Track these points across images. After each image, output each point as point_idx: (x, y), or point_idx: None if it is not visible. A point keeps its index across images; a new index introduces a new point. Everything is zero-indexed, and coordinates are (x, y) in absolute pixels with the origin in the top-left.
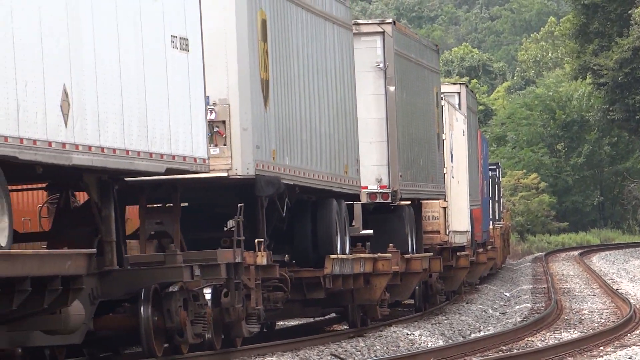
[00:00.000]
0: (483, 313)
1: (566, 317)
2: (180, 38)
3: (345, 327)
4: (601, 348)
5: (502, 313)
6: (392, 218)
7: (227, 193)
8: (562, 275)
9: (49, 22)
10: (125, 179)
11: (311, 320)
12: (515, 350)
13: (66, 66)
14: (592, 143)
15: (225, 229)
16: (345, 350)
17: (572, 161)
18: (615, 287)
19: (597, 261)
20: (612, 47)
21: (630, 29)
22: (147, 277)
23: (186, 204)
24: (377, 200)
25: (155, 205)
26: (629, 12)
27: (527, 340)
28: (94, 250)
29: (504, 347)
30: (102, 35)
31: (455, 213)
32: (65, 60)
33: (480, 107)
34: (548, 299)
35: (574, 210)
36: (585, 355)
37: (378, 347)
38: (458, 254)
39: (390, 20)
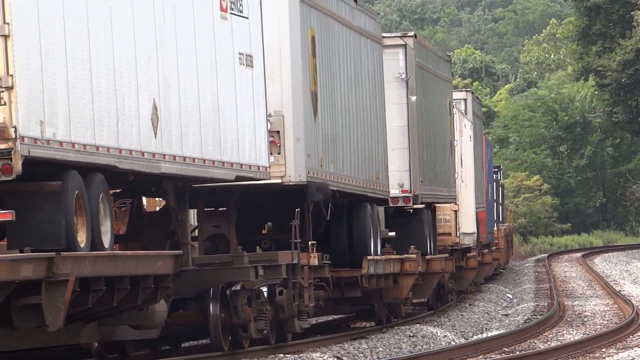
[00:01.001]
0: (486, 314)
1: (569, 319)
2: (245, 55)
3: (368, 324)
4: (603, 350)
5: (505, 314)
6: (413, 221)
7: (268, 198)
8: (565, 276)
9: (142, 44)
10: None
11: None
12: (517, 352)
13: (155, 82)
14: (595, 145)
15: (263, 231)
16: (348, 352)
17: (575, 163)
18: (617, 288)
19: (600, 263)
20: (615, 48)
21: (632, 30)
22: (217, 276)
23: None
24: (399, 204)
25: (212, 209)
26: (632, 13)
27: (530, 342)
28: (180, 252)
29: (506, 349)
30: (184, 54)
31: (464, 215)
32: (155, 77)
33: (483, 109)
34: (551, 300)
35: (577, 211)
36: (587, 357)
37: (380, 349)
38: (467, 255)
39: (412, 34)
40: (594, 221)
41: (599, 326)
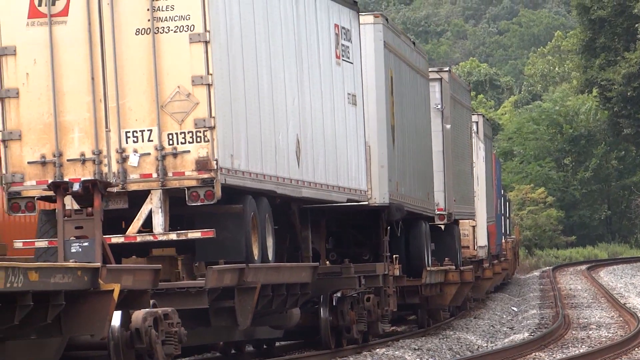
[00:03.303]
0: (491, 327)
1: (574, 332)
2: (351, 95)
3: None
4: None
5: (510, 327)
6: (446, 235)
7: (346, 216)
8: (570, 289)
9: (290, 88)
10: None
11: None
12: None
13: (297, 120)
14: (600, 157)
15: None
16: None
17: (580, 175)
18: (622, 301)
19: (605, 275)
20: (619, 61)
21: (637, 43)
22: (330, 284)
23: None
24: (436, 222)
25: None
26: (636, 26)
27: (535, 355)
28: (317, 264)
29: None
30: (314, 95)
31: (479, 229)
32: (297, 116)
33: (482, 113)
34: (556, 313)
35: (582, 224)
36: None
37: None
38: (483, 266)
39: (447, 69)
40: (599, 234)
41: (604, 339)
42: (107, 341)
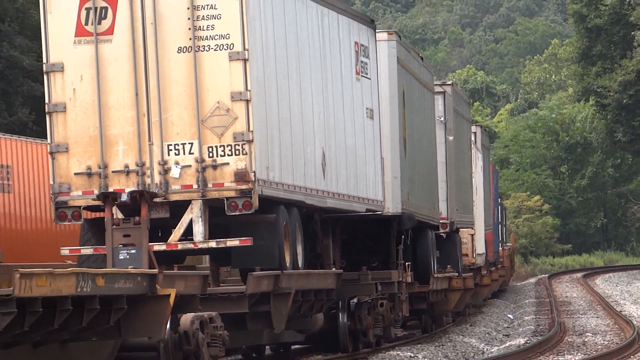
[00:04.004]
0: (487, 335)
1: (569, 339)
2: (369, 109)
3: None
4: None
5: (506, 335)
6: (449, 243)
7: (357, 225)
8: (566, 297)
9: (317, 102)
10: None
11: None
12: None
13: (323, 133)
14: (596, 165)
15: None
16: None
17: (576, 183)
18: (618, 309)
19: (601, 283)
20: (616, 69)
21: (633, 51)
22: (348, 291)
23: None
24: (439, 231)
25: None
26: (632, 34)
27: None
28: (341, 270)
29: None
30: (337, 110)
31: (477, 238)
32: (323, 129)
33: (480, 123)
34: (551, 320)
35: (578, 232)
36: None
37: None
38: (482, 273)
39: (450, 82)
40: (595, 242)
41: (599, 346)
42: (157, 343)
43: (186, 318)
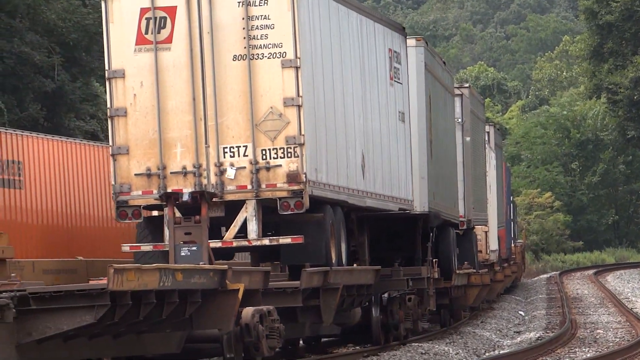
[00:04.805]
0: (498, 332)
1: (580, 336)
2: (401, 112)
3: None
4: None
5: (517, 332)
6: (465, 240)
7: (383, 223)
8: (577, 294)
9: (357, 106)
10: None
11: None
12: None
13: (362, 136)
14: (607, 162)
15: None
16: None
17: (587, 180)
18: (630, 306)
19: (612, 280)
20: (627, 66)
21: None
22: (382, 286)
23: None
24: (459, 228)
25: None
26: None
27: (542, 359)
28: (379, 267)
29: None
30: (374, 114)
31: (491, 234)
32: (362, 132)
33: (493, 123)
34: (563, 317)
35: (589, 229)
36: None
37: None
38: (495, 269)
39: (467, 85)
40: (606, 239)
41: (611, 343)
42: (220, 335)
43: (247, 311)
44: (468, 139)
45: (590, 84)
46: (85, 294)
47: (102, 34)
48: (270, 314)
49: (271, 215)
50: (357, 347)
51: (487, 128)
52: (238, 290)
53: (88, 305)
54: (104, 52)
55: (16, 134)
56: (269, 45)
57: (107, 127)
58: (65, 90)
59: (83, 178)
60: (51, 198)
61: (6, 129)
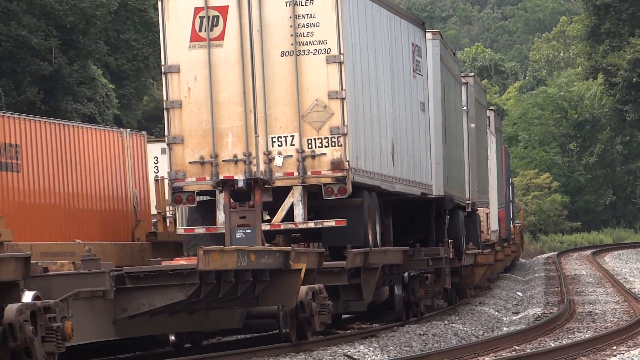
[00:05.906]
0: (496, 312)
1: (579, 317)
2: (422, 103)
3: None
4: (614, 347)
5: (515, 312)
6: (470, 222)
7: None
8: (575, 274)
9: (388, 98)
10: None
11: None
12: (528, 350)
13: (392, 126)
14: (605, 142)
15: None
16: (359, 351)
17: (584, 160)
18: (628, 286)
19: (610, 260)
20: (625, 47)
21: None
22: (406, 266)
23: None
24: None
25: None
26: None
27: (540, 340)
28: (408, 248)
29: (517, 347)
30: (400, 104)
31: (492, 216)
32: (392, 122)
33: (493, 107)
34: (561, 298)
35: (587, 209)
36: (598, 355)
37: (391, 348)
38: (496, 249)
39: (472, 74)
40: (603, 219)
41: (609, 324)
42: (277, 311)
43: (302, 289)
44: (473, 125)
45: (588, 65)
46: (176, 274)
47: (158, 30)
48: (321, 292)
49: (313, 200)
50: (373, 324)
51: (487, 113)
52: (300, 270)
53: (179, 283)
54: (102, 35)
55: (13, 117)
56: (315, 42)
57: (104, 110)
58: (62, 73)
59: (80, 161)
60: (49, 181)
61: (3, 112)
